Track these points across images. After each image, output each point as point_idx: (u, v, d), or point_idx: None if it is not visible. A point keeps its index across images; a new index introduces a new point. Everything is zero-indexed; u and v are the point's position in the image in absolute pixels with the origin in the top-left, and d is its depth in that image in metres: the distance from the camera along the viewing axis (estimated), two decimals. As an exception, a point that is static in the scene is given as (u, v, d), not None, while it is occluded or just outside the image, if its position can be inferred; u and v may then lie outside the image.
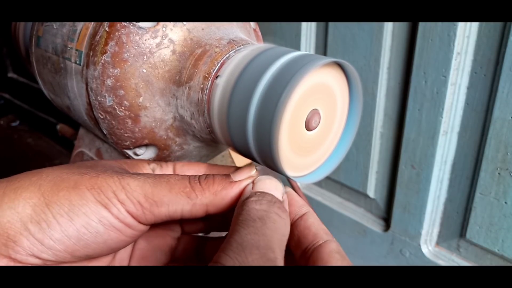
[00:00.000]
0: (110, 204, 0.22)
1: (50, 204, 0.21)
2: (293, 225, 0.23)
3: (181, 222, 0.28)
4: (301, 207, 0.24)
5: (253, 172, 0.25)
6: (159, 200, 0.23)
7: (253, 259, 0.19)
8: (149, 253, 0.27)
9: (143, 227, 0.24)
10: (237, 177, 0.24)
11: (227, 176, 0.24)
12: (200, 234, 0.30)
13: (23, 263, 0.21)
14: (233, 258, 0.19)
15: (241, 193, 0.24)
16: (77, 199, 0.22)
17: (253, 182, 0.24)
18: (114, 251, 0.24)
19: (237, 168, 0.25)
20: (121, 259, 0.26)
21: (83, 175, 0.23)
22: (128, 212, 0.22)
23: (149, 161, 0.27)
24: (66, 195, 0.22)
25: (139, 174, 0.24)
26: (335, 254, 0.21)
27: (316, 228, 0.23)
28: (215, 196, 0.23)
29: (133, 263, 0.27)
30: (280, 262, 0.19)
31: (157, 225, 0.27)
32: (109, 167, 0.24)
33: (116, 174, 0.23)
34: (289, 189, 0.25)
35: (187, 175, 0.24)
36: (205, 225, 0.29)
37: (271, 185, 0.24)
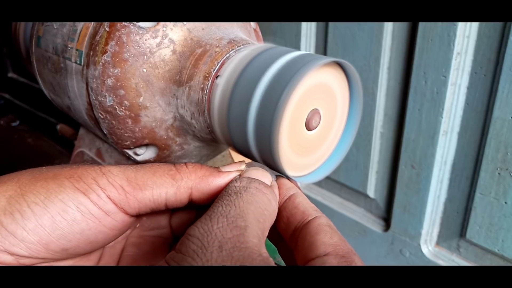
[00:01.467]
0: (90, 190, 0.21)
1: (25, 194, 0.20)
2: (281, 207, 0.23)
3: (172, 226, 0.27)
4: (289, 189, 0.23)
5: (243, 166, 0.24)
6: (143, 183, 0.22)
7: (219, 227, 0.18)
8: (139, 259, 0.25)
9: (125, 218, 0.22)
10: (226, 168, 0.24)
11: (216, 167, 0.24)
12: None
13: None
14: (200, 227, 0.18)
15: (226, 184, 0.23)
16: (54, 187, 0.21)
17: (240, 174, 0.23)
18: (93, 245, 0.22)
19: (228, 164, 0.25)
20: (107, 263, 0.25)
21: (63, 167, 0.22)
22: (109, 198, 0.21)
23: None
24: (44, 184, 0.21)
25: (122, 164, 0.23)
26: (324, 227, 0.21)
27: (304, 207, 0.22)
28: (201, 180, 0.22)
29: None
30: (251, 231, 0.18)
31: (147, 231, 0.26)
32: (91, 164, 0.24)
33: (98, 165, 0.22)
34: (279, 177, 0.25)
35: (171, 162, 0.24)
36: None
37: (257, 173, 0.23)
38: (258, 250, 0.18)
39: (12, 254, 0.20)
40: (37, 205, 0.20)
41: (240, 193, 0.20)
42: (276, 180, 0.24)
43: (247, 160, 0.26)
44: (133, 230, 0.26)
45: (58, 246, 0.21)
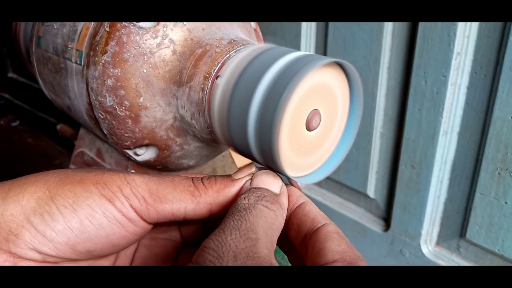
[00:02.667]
0: (115, 197, 0.22)
1: (54, 197, 0.21)
2: (292, 214, 0.23)
3: (181, 231, 0.28)
4: (299, 197, 0.24)
5: (253, 169, 0.25)
6: (163, 196, 0.23)
7: (232, 239, 0.19)
8: (150, 261, 0.26)
9: (145, 225, 0.23)
10: (238, 175, 0.24)
11: (228, 176, 0.24)
12: None
13: (23, 258, 0.21)
14: (214, 240, 0.19)
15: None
16: (82, 192, 0.22)
17: (251, 178, 0.24)
18: (115, 248, 0.23)
19: (239, 170, 0.25)
20: (122, 263, 0.26)
21: (89, 172, 0.23)
22: (132, 206, 0.22)
23: None
24: (71, 188, 0.22)
25: (146, 173, 0.24)
26: (332, 234, 0.21)
27: (314, 214, 0.23)
28: (218, 194, 0.23)
29: None
30: (262, 243, 0.19)
31: (158, 234, 0.27)
32: (115, 170, 0.25)
33: (122, 172, 0.23)
34: (289, 185, 0.25)
35: (190, 176, 0.24)
36: (205, 235, 0.28)
37: (267, 180, 0.24)
38: (269, 260, 0.19)
39: (40, 252, 0.21)
40: (66, 208, 0.21)
41: (249, 209, 0.21)
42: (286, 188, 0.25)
43: (248, 161, 0.26)
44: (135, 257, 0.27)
45: (84, 248, 0.22)
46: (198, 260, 0.19)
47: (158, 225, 0.27)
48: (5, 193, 0.21)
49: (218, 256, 0.18)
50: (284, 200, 0.24)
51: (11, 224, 0.21)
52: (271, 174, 0.24)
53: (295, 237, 0.23)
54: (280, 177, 0.25)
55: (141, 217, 0.23)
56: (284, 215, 0.23)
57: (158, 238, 0.27)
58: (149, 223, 0.24)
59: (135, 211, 0.22)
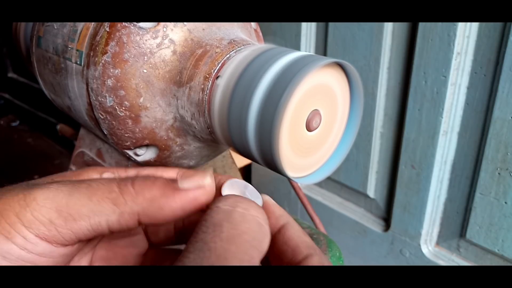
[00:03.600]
0: (13, 232, 0.17)
1: None
2: (272, 240, 0.19)
3: (148, 234, 0.24)
4: (279, 218, 0.20)
5: (206, 180, 0.19)
6: (76, 211, 0.18)
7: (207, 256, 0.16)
8: (114, 262, 0.23)
9: (65, 250, 0.19)
10: (185, 183, 0.19)
11: (173, 180, 0.19)
12: (172, 247, 0.25)
13: None
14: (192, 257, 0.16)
15: (186, 205, 0.19)
16: None
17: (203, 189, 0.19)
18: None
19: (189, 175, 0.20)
20: None
21: None
22: (38, 236, 0.18)
23: (104, 168, 0.22)
24: None
25: (55, 182, 0.19)
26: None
27: (295, 243, 0.19)
28: (151, 203, 0.18)
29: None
30: (235, 260, 0.16)
31: (116, 241, 0.23)
32: (24, 183, 0.20)
33: (23, 190, 0.18)
34: (266, 198, 0.21)
35: (116, 178, 0.20)
36: (175, 235, 0.24)
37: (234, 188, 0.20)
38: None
39: None
40: None
41: (220, 225, 0.16)
42: (263, 201, 0.21)
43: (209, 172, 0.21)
44: (100, 240, 0.22)
45: None
46: None
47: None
48: None
49: None
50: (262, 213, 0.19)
51: None
52: (241, 183, 0.20)
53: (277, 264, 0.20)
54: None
55: (56, 245, 0.18)
56: (268, 224, 0.19)
57: (116, 247, 0.23)
58: (68, 245, 0.19)
59: (45, 240, 0.18)
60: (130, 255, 0.22)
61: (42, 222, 0.18)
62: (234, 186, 0.20)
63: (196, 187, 0.19)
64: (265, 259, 0.20)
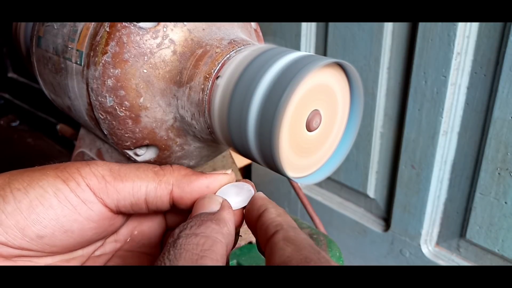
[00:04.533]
0: (70, 178, 0.21)
1: (11, 182, 0.21)
2: (255, 227, 0.22)
3: (165, 217, 0.26)
4: (259, 207, 0.22)
5: (228, 170, 0.24)
6: (125, 174, 0.22)
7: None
8: (140, 239, 0.26)
9: (102, 209, 0.22)
10: (211, 173, 0.24)
11: (201, 172, 0.24)
12: None
13: None
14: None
15: (211, 183, 0.23)
16: (38, 175, 0.21)
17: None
18: (68, 236, 0.22)
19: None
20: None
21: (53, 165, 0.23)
22: (88, 186, 0.21)
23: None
24: (30, 174, 0.22)
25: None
26: (277, 244, 0.20)
27: (266, 225, 0.21)
28: (183, 177, 0.23)
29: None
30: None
31: (136, 247, 0.25)
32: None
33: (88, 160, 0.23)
34: (257, 194, 0.24)
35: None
36: None
37: (203, 203, 0.22)
38: None
39: None
40: (19, 190, 0.21)
41: (168, 251, 0.19)
42: (251, 197, 0.23)
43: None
44: (124, 244, 0.25)
45: (33, 231, 0.21)
46: None
47: (137, 237, 0.26)
48: None
49: None
50: (225, 214, 0.22)
51: None
52: (207, 197, 0.23)
53: (262, 250, 0.22)
54: (223, 198, 0.23)
55: (99, 198, 0.22)
56: (225, 230, 0.21)
57: (135, 251, 0.25)
58: (109, 208, 0.22)
59: (92, 190, 0.22)
60: (145, 259, 0.25)
61: (96, 175, 0.22)
62: (199, 202, 0.23)
63: (220, 173, 0.24)
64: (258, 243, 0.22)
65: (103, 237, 0.24)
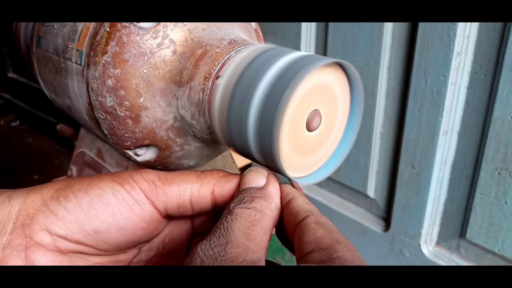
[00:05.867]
0: (125, 182, 0.24)
1: (71, 185, 0.24)
2: (284, 215, 0.24)
3: (192, 222, 0.28)
4: (287, 195, 0.24)
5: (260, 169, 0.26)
6: (171, 179, 0.25)
7: (202, 248, 0.20)
8: (172, 241, 0.28)
9: (152, 211, 0.25)
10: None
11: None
12: None
13: (35, 242, 0.22)
14: (189, 255, 0.21)
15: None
16: (96, 179, 0.24)
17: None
18: (122, 233, 0.24)
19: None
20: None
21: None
22: (141, 189, 0.24)
23: None
24: (88, 178, 0.24)
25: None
26: (309, 225, 0.21)
27: (296, 210, 0.23)
28: (222, 178, 0.25)
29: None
30: (234, 243, 0.20)
31: (168, 253, 0.28)
32: None
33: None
34: (282, 184, 0.26)
35: None
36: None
37: (250, 177, 0.25)
38: (242, 257, 0.20)
39: (51, 233, 0.23)
40: (79, 191, 0.24)
41: (226, 217, 0.22)
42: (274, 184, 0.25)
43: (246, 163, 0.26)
44: (157, 252, 0.28)
45: (91, 226, 0.23)
46: None
47: (167, 245, 0.28)
48: (30, 189, 0.24)
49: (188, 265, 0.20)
50: (270, 189, 0.24)
51: (29, 209, 0.23)
52: (254, 170, 0.25)
53: (289, 235, 0.24)
54: (270, 171, 0.25)
55: (150, 200, 0.24)
56: (272, 205, 0.24)
57: (166, 257, 0.28)
58: (158, 210, 0.25)
59: (144, 193, 0.24)
60: (175, 264, 0.28)
61: (146, 181, 0.24)
62: (246, 177, 0.25)
63: (247, 170, 0.26)
64: (279, 231, 0.25)
65: (148, 239, 0.26)
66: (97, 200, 0.23)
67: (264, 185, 0.24)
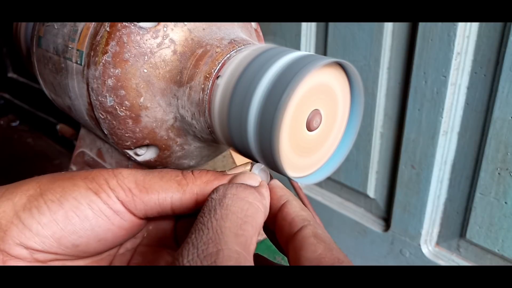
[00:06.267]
0: (101, 190, 0.22)
1: (44, 193, 0.22)
2: (274, 218, 0.23)
3: (178, 238, 0.27)
4: (280, 198, 0.23)
5: (248, 167, 0.25)
6: (150, 186, 0.23)
7: (189, 260, 0.18)
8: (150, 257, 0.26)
9: (132, 218, 0.23)
10: (231, 171, 0.24)
11: (223, 171, 0.24)
12: None
13: (11, 255, 0.21)
14: (172, 263, 0.18)
15: None
16: (69, 186, 0.22)
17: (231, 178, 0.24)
18: (102, 244, 0.23)
19: (235, 167, 0.25)
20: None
21: (80, 170, 0.24)
22: (118, 198, 0.22)
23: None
24: (60, 184, 0.22)
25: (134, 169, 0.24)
26: (307, 239, 0.20)
27: (291, 217, 0.21)
28: (206, 184, 0.23)
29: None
30: (226, 252, 0.18)
31: (154, 241, 0.26)
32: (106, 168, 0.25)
33: (112, 169, 0.24)
34: (273, 181, 0.24)
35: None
36: None
37: (243, 177, 0.23)
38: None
39: (27, 248, 0.21)
40: (53, 202, 0.22)
41: (214, 209, 0.20)
42: (268, 184, 0.24)
43: (247, 161, 0.26)
44: (142, 240, 0.26)
45: (69, 241, 0.22)
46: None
47: (152, 232, 0.26)
48: (1, 194, 0.22)
49: None
50: (264, 191, 0.22)
51: (1, 220, 0.21)
52: (248, 173, 0.24)
53: (281, 244, 0.22)
54: (267, 174, 0.24)
55: (128, 210, 0.23)
56: (265, 202, 0.22)
57: (152, 245, 0.26)
58: (138, 217, 0.23)
59: (122, 203, 0.22)
60: (162, 251, 0.26)
61: (123, 189, 0.22)
62: (239, 176, 0.24)
63: (240, 172, 0.24)
64: (273, 235, 0.23)
65: (130, 238, 0.25)
66: (73, 214, 0.22)
67: (258, 186, 0.23)
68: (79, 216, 0.22)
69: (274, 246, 0.25)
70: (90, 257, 0.24)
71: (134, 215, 0.23)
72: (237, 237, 0.19)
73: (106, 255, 0.25)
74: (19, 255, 0.21)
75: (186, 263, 0.17)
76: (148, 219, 0.25)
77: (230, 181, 0.23)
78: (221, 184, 0.23)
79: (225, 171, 0.24)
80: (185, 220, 0.27)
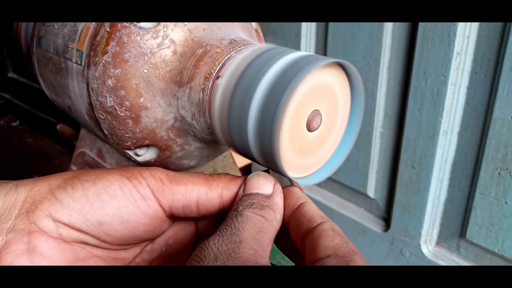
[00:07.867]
0: (133, 177, 0.24)
1: (79, 175, 0.24)
2: (291, 217, 0.24)
3: (197, 225, 0.28)
4: (298, 198, 0.24)
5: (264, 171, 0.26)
6: (179, 179, 0.25)
7: (215, 243, 0.20)
8: (174, 246, 0.28)
9: (157, 208, 0.25)
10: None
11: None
12: None
13: (38, 226, 0.22)
14: (198, 248, 0.20)
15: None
16: (105, 172, 0.24)
17: (244, 183, 0.25)
18: (125, 227, 0.24)
19: None
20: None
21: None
22: (148, 185, 0.24)
23: None
24: (97, 171, 0.25)
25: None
26: (326, 231, 0.22)
27: (310, 214, 0.23)
28: (229, 181, 0.25)
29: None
30: (246, 245, 0.20)
31: (171, 256, 0.28)
32: None
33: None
34: (293, 185, 0.26)
35: None
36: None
37: (258, 182, 0.25)
38: (254, 259, 0.20)
39: (54, 220, 0.23)
40: (87, 181, 0.24)
41: (236, 217, 0.22)
42: (285, 188, 0.25)
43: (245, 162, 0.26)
44: (160, 253, 0.28)
45: (95, 217, 0.23)
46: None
47: (171, 246, 0.28)
48: (38, 178, 0.24)
49: (200, 260, 0.20)
50: (278, 200, 0.24)
51: (35, 197, 0.23)
52: (262, 176, 0.25)
53: (295, 239, 0.24)
54: (276, 178, 0.25)
55: (155, 197, 0.24)
56: (278, 216, 0.24)
57: (169, 259, 0.27)
58: (162, 208, 0.25)
59: (151, 189, 0.24)
60: (187, 242, 0.28)
61: (154, 177, 0.25)
62: (253, 182, 0.25)
63: (256, 172, 0.26)
64: (285, 233, 0.24)
65: (150, 238, 0.26)
66: (103, 191, 0.23)
67: (272, 194, 0.24)
68: (109, 194, 0.24)
69: (274, 247, 0.25)
70: (108, 250, 0.25)
71: (161, 206, 0.25)
72: (255, 239, 0.21)
73: (122, 258, 0.26)
74: (45, 226, 0.22)
75: (212, 245, 0.20)
76: (173, 219, 0.26)
77: (245, 189, 0.25)
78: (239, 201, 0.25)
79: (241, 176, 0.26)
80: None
